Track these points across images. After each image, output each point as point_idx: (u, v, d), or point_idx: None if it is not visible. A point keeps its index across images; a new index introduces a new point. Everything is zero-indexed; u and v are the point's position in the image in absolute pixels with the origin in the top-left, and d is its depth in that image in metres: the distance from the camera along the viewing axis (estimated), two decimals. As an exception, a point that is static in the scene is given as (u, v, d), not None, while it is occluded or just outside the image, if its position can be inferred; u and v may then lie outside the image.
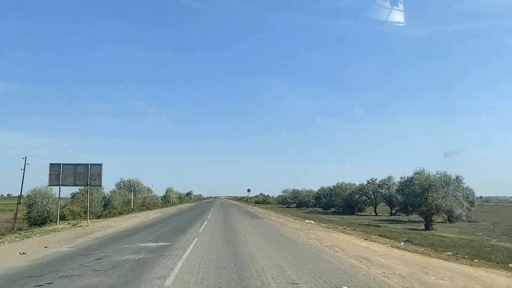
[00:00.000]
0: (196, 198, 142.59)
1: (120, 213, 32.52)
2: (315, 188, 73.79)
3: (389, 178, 45.56)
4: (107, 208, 33.55)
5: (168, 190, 72.84)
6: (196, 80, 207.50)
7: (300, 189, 77.55)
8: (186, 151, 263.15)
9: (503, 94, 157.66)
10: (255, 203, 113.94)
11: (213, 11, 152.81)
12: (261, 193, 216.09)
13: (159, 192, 76.48)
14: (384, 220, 34.64)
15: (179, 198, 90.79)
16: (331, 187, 55.92)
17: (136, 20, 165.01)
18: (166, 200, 69.74)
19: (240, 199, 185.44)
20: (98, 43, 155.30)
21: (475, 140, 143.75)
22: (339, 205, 50.17)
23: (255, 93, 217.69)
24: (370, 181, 46.68)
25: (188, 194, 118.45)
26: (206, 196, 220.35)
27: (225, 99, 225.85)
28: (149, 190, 48.40)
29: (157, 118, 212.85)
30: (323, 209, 62.52)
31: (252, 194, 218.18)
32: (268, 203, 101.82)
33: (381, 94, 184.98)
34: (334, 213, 49.93)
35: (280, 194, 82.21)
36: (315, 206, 65.82)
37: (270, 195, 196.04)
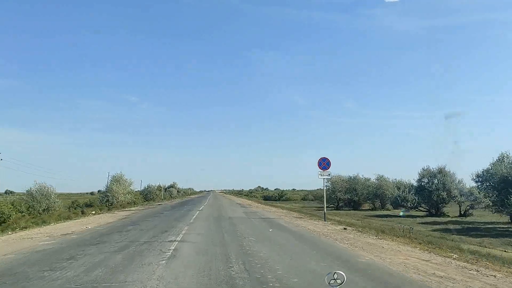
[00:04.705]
0: (182, 192, 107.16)
1: None
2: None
3: None
4: None
5: (114, 179, 37.69)
6: (190, 74, 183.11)
7: (361, 176, 43.42)
8: (176, 144, 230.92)
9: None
10: (264, 199, 79.75)
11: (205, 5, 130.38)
12: (259, 186, 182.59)
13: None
14: None
15: (146, 194, 55.76)
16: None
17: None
18: (105, 200, 34.87)
19: (238, 193, 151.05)
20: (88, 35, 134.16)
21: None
22: None
23: (247, 87, 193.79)
24: None
25: (169, 188, 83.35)
26: (198, 190, 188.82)
27: (218, 89, 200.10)
28: None
29: (149, 112, 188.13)
30: (459, 214, 28.52)
31: (246, 187, 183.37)
32: (287, 199, 67.49)
33: (374, 86, 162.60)
34: None
35: (319, 187, 47.53)
36: (413, 207, 31.59)
37: (269, 188, 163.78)
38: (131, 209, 29.14)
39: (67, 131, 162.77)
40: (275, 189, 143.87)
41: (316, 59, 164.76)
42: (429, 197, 30.70)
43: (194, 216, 19.83)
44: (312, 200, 63.99)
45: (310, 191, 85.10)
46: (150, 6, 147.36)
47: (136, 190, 64.65)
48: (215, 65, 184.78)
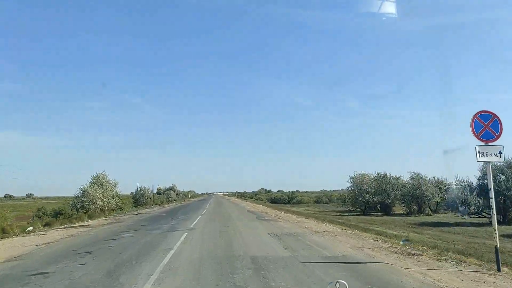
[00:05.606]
0: (182, 195, 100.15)
1: None
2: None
3: None
4: None
5: (94, 180, 30.70)
6: (194, 77, 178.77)
7: (389, 174, 36.46)
8: (178, 147, 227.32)
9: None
10: (271, 202, 72.77)
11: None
12: (262, 188, 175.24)
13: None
14: None
15: (139, 198, 48.66)
16: None
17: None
18: (80, 206, 27.84)
19: (242, 195, 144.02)
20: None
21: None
22: None
23: (248, 88, 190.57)
24: None
25: (167, 190, 76.44)
26: (199, 193, 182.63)
27: (219, 94, 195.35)
28: None
29: (151, 114, 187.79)
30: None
31: (249, 189, 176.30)
32: (298, 202, 60.33)
33: (376, 87, 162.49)
34: None
35: (344, 187, 40.00)
36: (476, 212, 24.45)
37: (272, 190, 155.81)
38: (90, 222, 20.35)
39: (68, 133, 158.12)
40: (278, 191, 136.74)
41: (317, 59, 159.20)
42: (496, 199, 23.60)
43: (173, 252, 9.15)
44: (327, 203, 57.00)
45: (323, 192, 78.00)
46: (153, 8, 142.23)
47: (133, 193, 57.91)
48: (216, 67, 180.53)
